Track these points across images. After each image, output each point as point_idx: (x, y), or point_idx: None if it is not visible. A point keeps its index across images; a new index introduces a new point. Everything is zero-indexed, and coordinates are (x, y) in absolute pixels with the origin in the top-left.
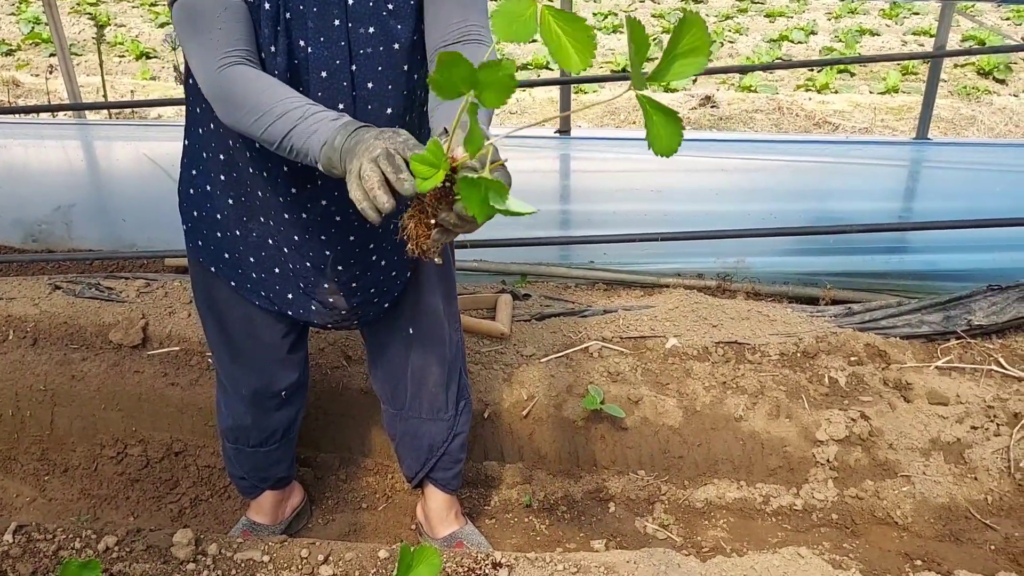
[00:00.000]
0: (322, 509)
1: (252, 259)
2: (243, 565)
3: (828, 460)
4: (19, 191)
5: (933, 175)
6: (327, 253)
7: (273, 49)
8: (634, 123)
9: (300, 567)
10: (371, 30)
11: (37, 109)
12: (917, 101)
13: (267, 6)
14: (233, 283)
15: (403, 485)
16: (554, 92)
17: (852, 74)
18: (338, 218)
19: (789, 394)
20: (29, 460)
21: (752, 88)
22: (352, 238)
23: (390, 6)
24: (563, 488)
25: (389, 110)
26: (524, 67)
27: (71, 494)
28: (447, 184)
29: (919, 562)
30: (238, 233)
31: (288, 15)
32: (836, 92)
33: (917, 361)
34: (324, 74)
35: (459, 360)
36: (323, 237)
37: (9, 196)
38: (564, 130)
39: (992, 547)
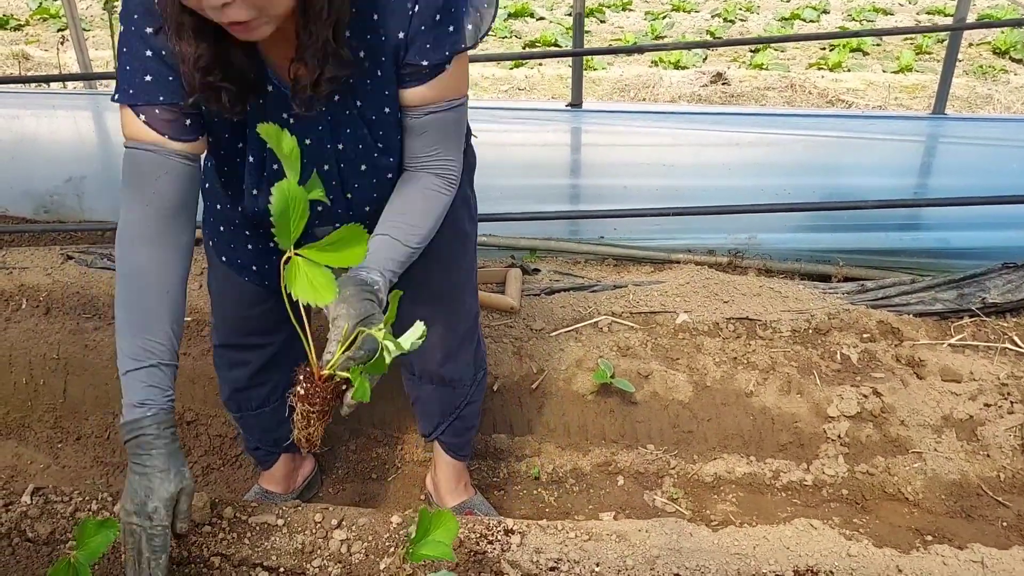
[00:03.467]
0: (332, 479)
1: (242, 235)
2: (257, 528)
3: (839, 436)
4: (30, 162)
5: (949, 151)
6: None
7: (256, 192)
8: (643, 100)
9: (314, 531)
10: (363, 167)
11: (47, 79)
12: (931, 80)
13: (251, 159)
14: (224, 258)
15: (412, 456)
16: (562, 69)
17: (865, 53)
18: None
19: (800, 370)
20: (43, 428)
21: (764, 66)
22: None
23: (380, 144)
24: (572, 461)
25: (368, 207)
26: (532, 44)
27: (84, 461)
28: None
29: (930, 537)
30: (228, 207)
31: (275, 166)
32: (849, 71)
33: (930, 339)
34: (319, 208)
35: (476, 330)
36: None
37: (20, 167)
38: (575, 103)
39: (1004, 523)
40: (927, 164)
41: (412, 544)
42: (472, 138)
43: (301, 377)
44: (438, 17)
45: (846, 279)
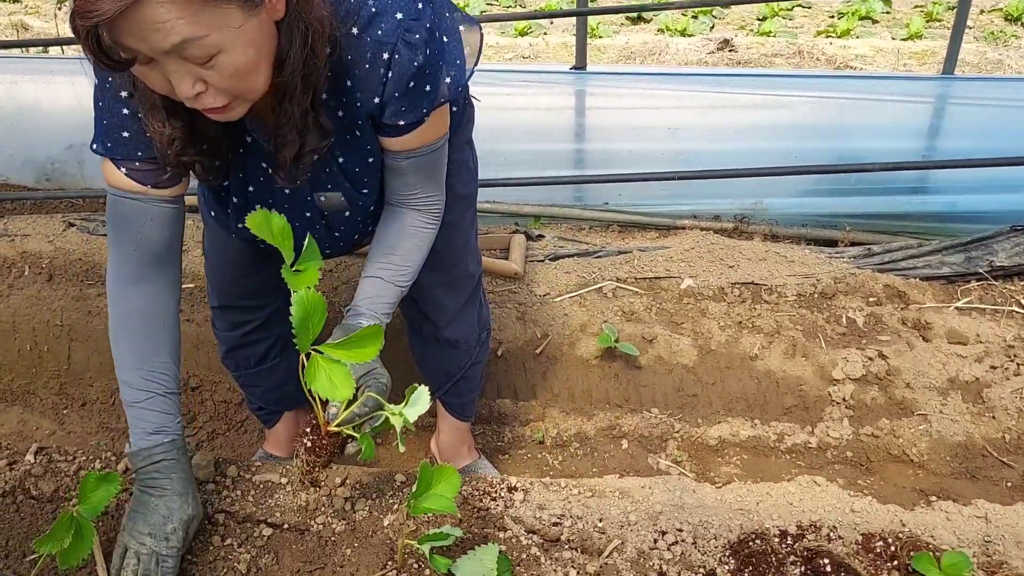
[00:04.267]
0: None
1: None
2: (261, 486)
3: (844, 399)
4: (30, 130)
5: (958, 112)
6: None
7: (241, 226)
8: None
9: (317, 488)
10: (347, 213)
11: (45, 43)
12: (941, 47)
13: (235, 200)
14: (212, 213)
15: (419, 421)
16: (567, 37)
17: (874, 21)
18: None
19: (806, 333)
20: (48, 394)
21: (771, 33)
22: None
23: (364, 191)
24: (576, 425)
25: (356, 236)
26: (536, 13)
27: (89, 427)
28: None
29: (934, 498)
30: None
31: (259, 206)
32: (858, 37)
33: (936, 302)
34: (297, 224)
35: (479, 292)
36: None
37: (20, 135)
38: (579, 66)
39: (1009, 484)
40: (935, 126)
41: (413, 497)
42: (475, 102)
43: (308, 430)
44: (412, 84)
45: (852, 244)
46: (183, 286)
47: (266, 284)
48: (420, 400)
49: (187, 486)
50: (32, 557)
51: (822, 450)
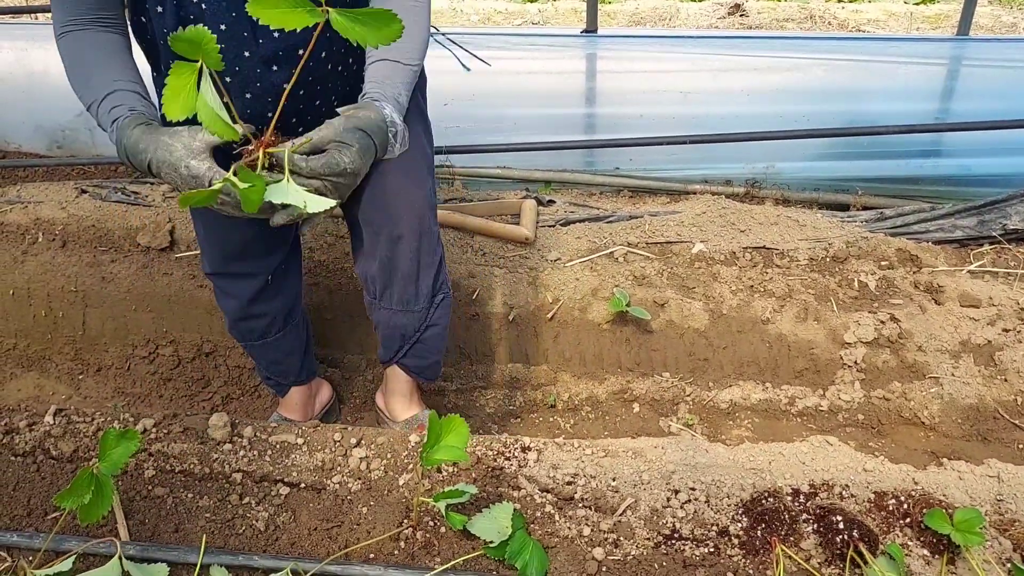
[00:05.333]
0: (350, 408)
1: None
2: (278, 447)
3: (856, 362)
4: (41, 96)
5: (972, 74)
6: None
7: (160, 9)
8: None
9: (333, 449)
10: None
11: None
12: (955, 9)
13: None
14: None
15: (430, 386)
16: (576, 3)
17: None
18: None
19: (818, 297)
20: (63, 360)
21: None
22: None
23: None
24: (587, 390)
25: (300, 51)
26: None
27: (105, 392)
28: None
29: (945, 460)
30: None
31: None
32: (870, 1)
33: (949, 265)
34: (223, 27)
35: (435, 253)
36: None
37: (31, 102)
38: (590, 29)
39: (1020, 446)
40: (949, 88)
41: (425, 450)
42: (486, 65)
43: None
44: None
45: (865, 208)
46: (196, 251)
47: (257, 248)
48: (326, 203)
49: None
50: (53, 515)
51: (833, 413)
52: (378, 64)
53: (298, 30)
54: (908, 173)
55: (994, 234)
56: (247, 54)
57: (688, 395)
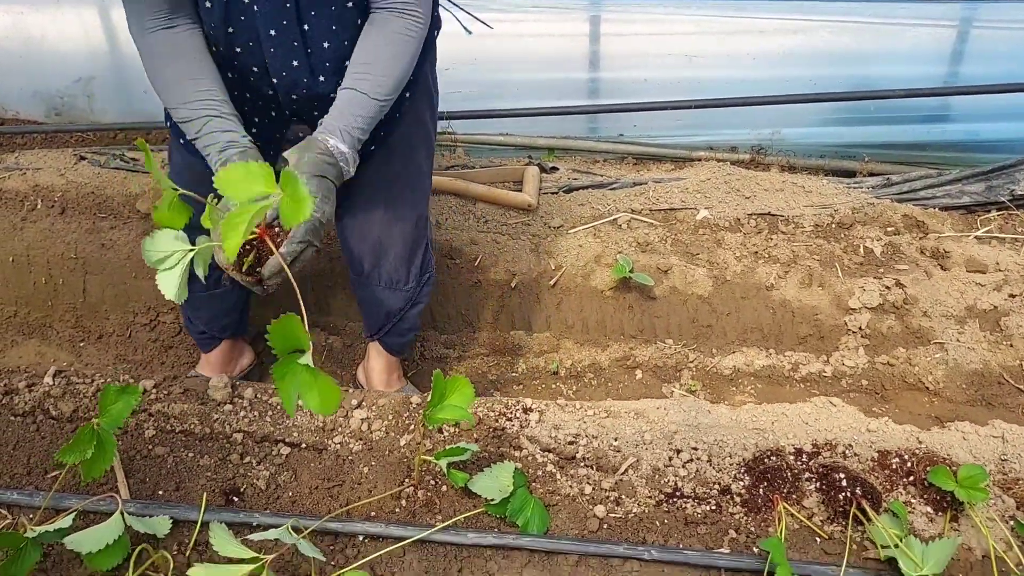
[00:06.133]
0: (351, 373)
1: None
2: (278, 407)
3: (860, 328)
4: (38, 63)
5: (983, 36)
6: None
7: (209, 5)
8: None
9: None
10: (333, 27)
11: None
12: None
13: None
14: (182, 140)
15: (428, 353)
16: None
17: None
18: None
19: (823, 263)
20: (64, 327)
21: None
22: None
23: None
24: (590, 356)
25: (346, 62)
26: None
27: (106, 359)
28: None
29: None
30: None
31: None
32: None
33: (956, 231)
34: (272, 32)
35: (424, 236)
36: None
37: (28, 68)
38: None
39: None
40: (958, 51)
41: (429, 408)
42: (488, 28)
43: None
44: None
45: (871, 174)
46: None
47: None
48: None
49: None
50: (53, 474)
51: (837, 379)
52: (345, 92)
53: (346, 43)
54: (915, 139)
55: (1002, 199)
56: (295, 63)
57: (691, 362)
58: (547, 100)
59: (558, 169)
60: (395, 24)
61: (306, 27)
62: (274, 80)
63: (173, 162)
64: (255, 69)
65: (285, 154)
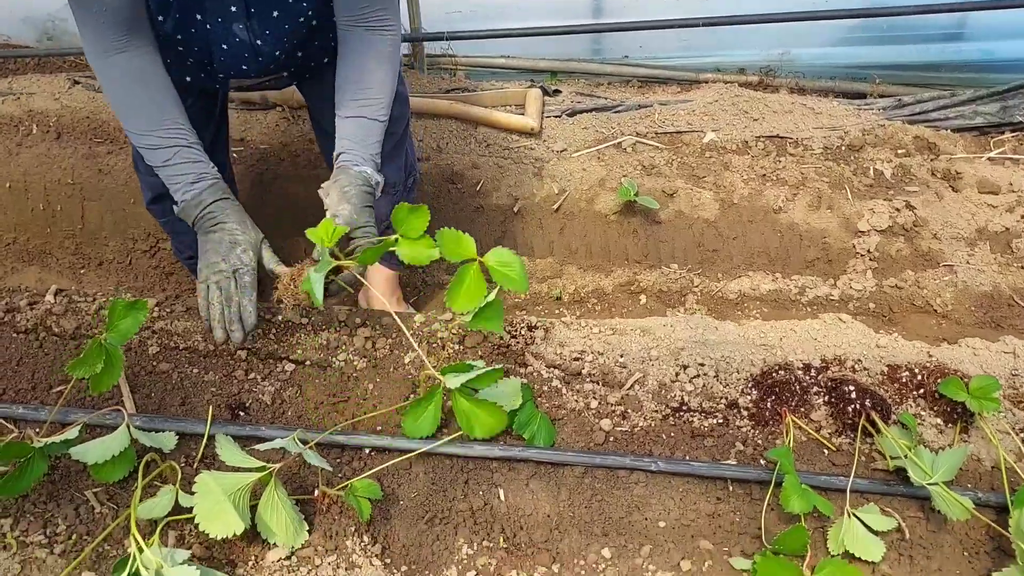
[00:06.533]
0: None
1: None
2: (282, 326)
3: (868, 251)
4: None
5: None
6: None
7: (161, 19)
8: None
9: (338, 328)
10: (275, 13)
11: None
12: None
13: None
14: (169, 60)
15: (429, 279)
16: None
17: None
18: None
19: (832, 185)
20: (64, 254)
21: None
22: None
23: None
24: (594, 282)
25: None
26: None
27: (107, 287)
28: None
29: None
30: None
31: None
32: None
33: (968, 153)
34: (223, 59)
35: (406, 137)
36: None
37: None
38: None
39: None
40: None
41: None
42: None
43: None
44: None
45: (882, 96)
46: None
47: (192, 117)
48: None
49: (242, 215)
50: (58, 389)
51: (844, 302)
52: (353, 121)
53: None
54: (929, 59)
55: (1018, 120)
56: (246, 55)
57: (696, 286)
58: (550, 19)
59: (561, 92)
60: (377, 43)
61: (259, 43)
62: (219, 65)
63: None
64: (197, 51)
65: (328, 186)
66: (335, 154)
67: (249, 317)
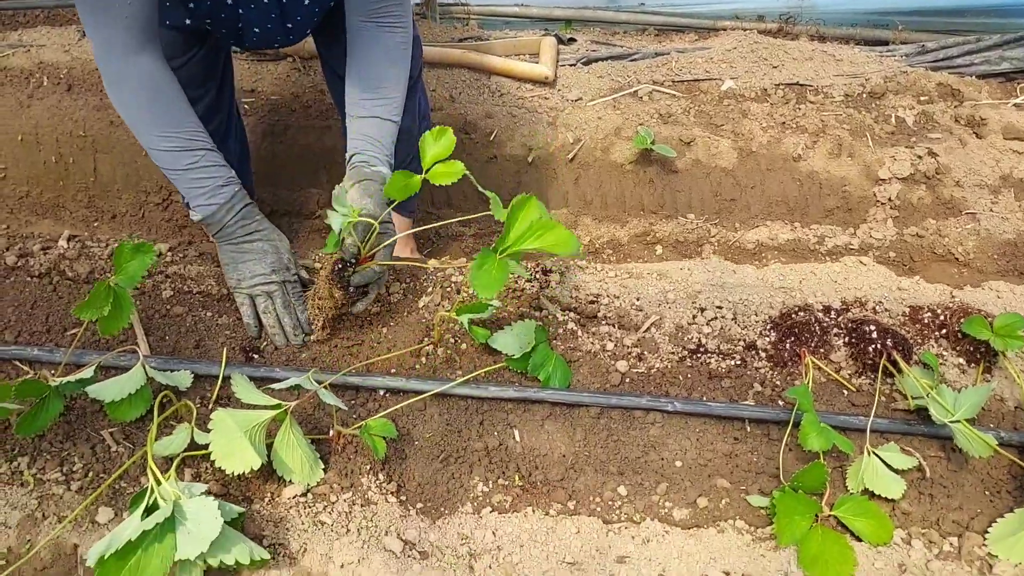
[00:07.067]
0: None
1: None
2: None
3: (889, 199)
4: None
5: None
6: None
7: (192, 5)
8: None
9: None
10: (306, 1)
11: None
12: None
13: None
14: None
15: (444, 231)
16: None
17: None
18: None
19: (852, 133)
20: (77, 207)
21: None
22: None
23: None
24: (609, 233)
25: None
26: None
27: (120, 239)
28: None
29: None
30: None
31: None
32: None
33: (993, 99)
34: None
35: (419, 84)
36: None
37: None
38: None
39: None
40: None
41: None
42: None
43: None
44: None
45: (905, 43)
46: None
47: (199, 72)
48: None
49: (270, 224)
50: (72, 331)
51: (864, 251)
52: (368, 121)
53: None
54: (952, 4)
55: None
56: (269, 26)
57: (713, 236)
58: None
59: (576, 41)
60: (388, 40)
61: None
62: (249, 44)
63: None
64: (226, 33)
65: (346, 186)
66: (348, 154)
67: (307, 326)
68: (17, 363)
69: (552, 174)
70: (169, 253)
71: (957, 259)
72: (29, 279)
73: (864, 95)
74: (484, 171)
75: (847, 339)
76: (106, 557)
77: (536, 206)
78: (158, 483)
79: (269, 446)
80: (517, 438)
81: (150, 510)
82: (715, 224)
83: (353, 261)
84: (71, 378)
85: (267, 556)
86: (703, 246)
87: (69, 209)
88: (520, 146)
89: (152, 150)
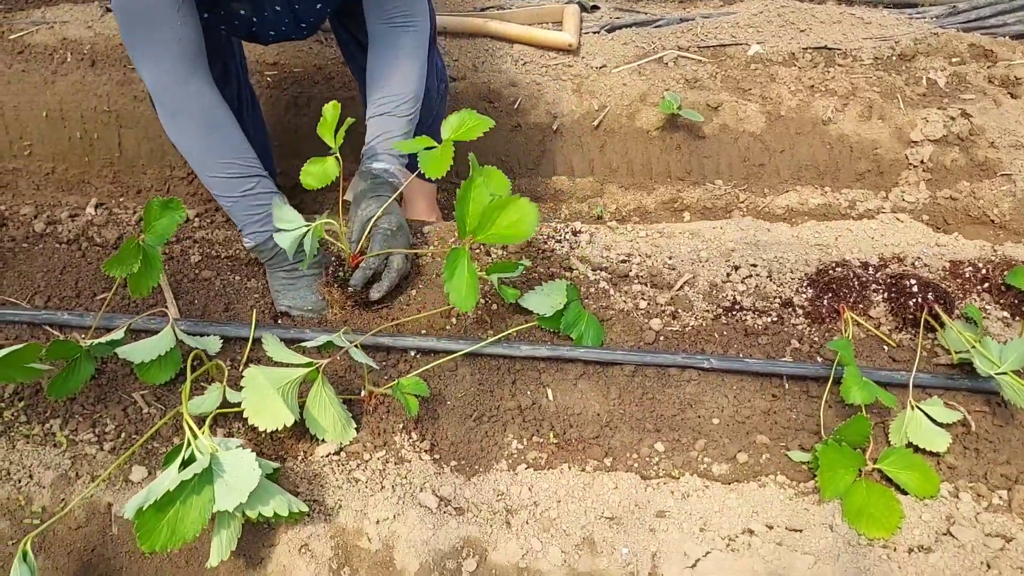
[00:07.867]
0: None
1: None
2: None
3: (922, 161)
4: None
5: None
6: None
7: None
8: None
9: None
10: (317, 6)
11: None
12: None
13: None
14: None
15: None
16: None
17: None
18: None
19: (883, 95)
20: (102, 183)
21: None
22: None
23: None
24: (636, 200)
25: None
26: None
27: None
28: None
29: None
30: None
31: None
32: None
33: None
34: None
35: (433, 47)
36: None
37: None
38: None
39: None
40: None
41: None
42: None
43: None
44: None
45: (935, 4)
46: None
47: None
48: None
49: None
50: (101, 296)
51: (896, 215)
52: (376, 120)
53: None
54: None
55: None
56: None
57: (742, 202)
58: None
59: (599, 8)
60: (403, 38)
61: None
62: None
63: None
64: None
65: (355, 182)
66: (362, 152)
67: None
68: (47, 327)
69: (577, 142)
70: (197, 219)
71: (992, 221)
72: (58, 245)
73: (894, 57)
74: (509, 140)
75: (886, 294)
76: (144, 509)
77: (484, 185)
78: (195, 436)
79: (301, 406)
80: (550, 397)
81: (187, 463)
82: (743, 190)
83: (342, 264)
84: (102, 340)
85: (305, 508)
86: (732, 212)
87: (94, 184)
88: (545, 114)
89: (208, 177)
